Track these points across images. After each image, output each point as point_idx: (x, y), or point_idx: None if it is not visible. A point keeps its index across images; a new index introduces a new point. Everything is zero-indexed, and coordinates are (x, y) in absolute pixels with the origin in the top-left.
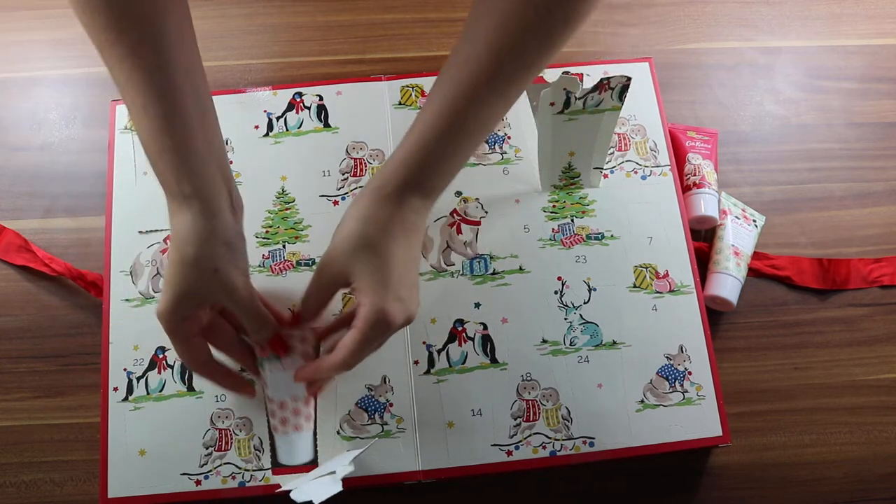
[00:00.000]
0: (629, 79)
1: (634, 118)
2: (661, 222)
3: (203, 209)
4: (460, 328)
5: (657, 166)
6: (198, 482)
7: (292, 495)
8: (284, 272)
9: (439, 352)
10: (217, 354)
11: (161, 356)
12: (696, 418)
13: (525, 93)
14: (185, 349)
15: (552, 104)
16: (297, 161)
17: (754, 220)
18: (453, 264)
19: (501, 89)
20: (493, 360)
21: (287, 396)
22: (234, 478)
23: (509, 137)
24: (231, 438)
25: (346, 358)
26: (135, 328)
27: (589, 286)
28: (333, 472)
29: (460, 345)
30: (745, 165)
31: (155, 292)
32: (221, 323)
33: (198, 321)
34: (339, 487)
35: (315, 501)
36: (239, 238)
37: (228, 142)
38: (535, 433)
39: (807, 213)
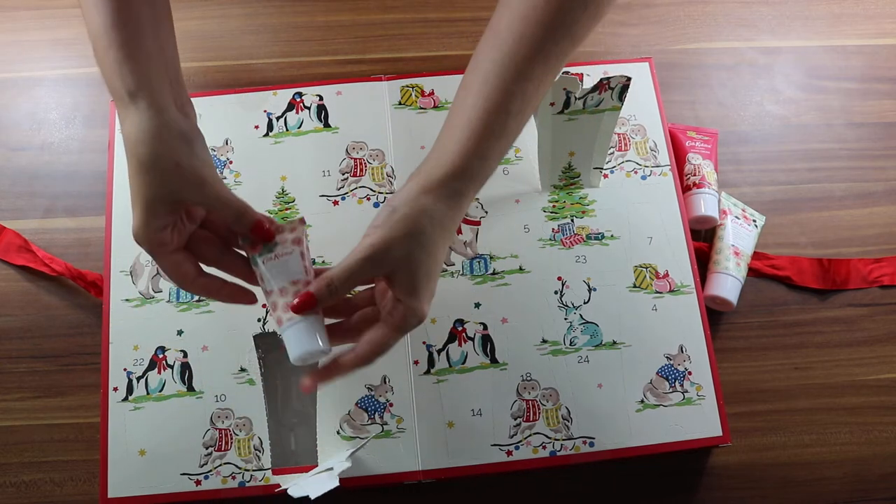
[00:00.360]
0: (629, 79)
1: (634, 118)
2: (661, 222)
3: (149, 105)
4: (460, 328)
5: (657, 166)
6: (198, 482)
7: (289, 491)
8: None
9: (439, 352)
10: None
11: (161, 356)
12: (696, 418)
13: None
14: (171, 266)
15: (552, 104)
16: (297, 161)
17: (754, 220)
18: (453, 264)
19: (549, 64)
20: (493, 360)
21: (286, 282)
22: (234, 478)
23: None
24: (231, 438)
25: (374, 355)
26: (135, 328)
27: (589, 286)
28: (331, 469)
29: (460, 345)
30: (745, 165)
31: (155, 292)
32: (205, 235)
33: (178, 233)
34: (335, 483)
35: (312, 496)
36: (194, 131)
37: (228, 142)
38: (535, 433)
39: (807, 213)
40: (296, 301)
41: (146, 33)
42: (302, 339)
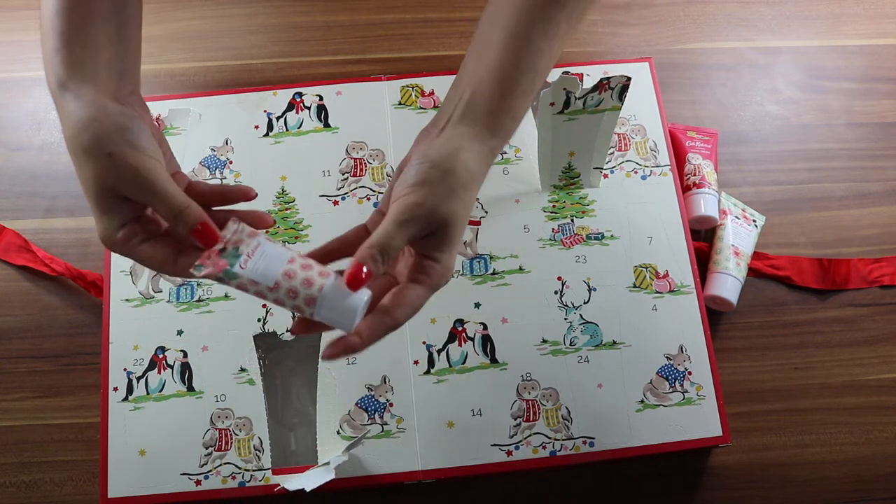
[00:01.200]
0: (629, 79)
1: (634, 118)
2: (661, 222)
3: (78, 95)
4: (460, 328)
5: (657, 166)
6: (198, 482)
7: (286, 485)
8: None
9: (439, 352)
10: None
11: (161, 356)
12: (696, 418)
13: None
14: (148, 259)
15: (552, 104)
16: (297, 161)
17: (754, 220)
18: None
19: (571, 21)
20: (493, 360)
21: (284, 265)
22: (234, 478)
23: None
24: (231, 438)
25: (409, 317)
26: (135, 328)
27: (589, 286)
28: (327, 463)
29: (460, 345)
30: (745, 165)
31: (155, 292)
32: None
33: (143, 224)
34: (331, 475)
35: (307, 489)
36: (132, 119)
37: (228, 142)
38: (535, 433)
39: (807, 213)
40: (346, 275)
41: (94, 21)
42: (345, 297)
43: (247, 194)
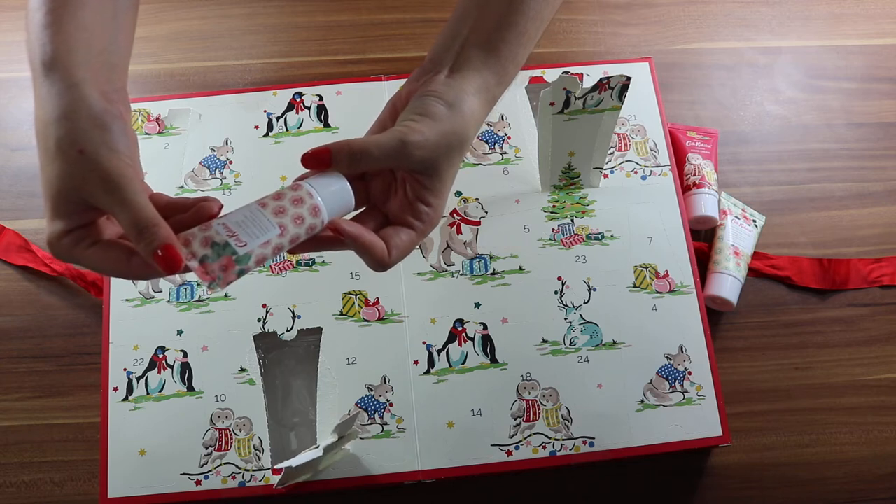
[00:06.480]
0: (629, 78)
1: (634, 118)
2: (661, 222)
3: (62, 78)
4: (460, 328)
5: (657, 166)
6: (198, 482)
7: (275, 467)
8: (284, 272)
9: (439, 352)
10: None
11: (161, 356)
12: (696, 418)
13: (525, 93)
14: (99, 263)
15: (552, 104)
16: (297, 161)
17: (754, 220)
18: (453, 264)
19: None
20: (493, 360)
21: (261, 210)
22: (234, 478)
23: (509, 137)
24: (231, 438)
25: (399, 260)
26: (135, 328)
27: (589, 286)
28: (317, 447)
29: (460, 345)
30: (745, 165)
31: (155, 292)
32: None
33: (93, 230)
34: (319, 453)
35: (293, 465)
36: (113, 118)
37: (228, 142)
38: (535, 433)
39: (807, 213)
40: (308, 151)
41: (91, 7)
42: (323, 175)
43: (210, 211)
